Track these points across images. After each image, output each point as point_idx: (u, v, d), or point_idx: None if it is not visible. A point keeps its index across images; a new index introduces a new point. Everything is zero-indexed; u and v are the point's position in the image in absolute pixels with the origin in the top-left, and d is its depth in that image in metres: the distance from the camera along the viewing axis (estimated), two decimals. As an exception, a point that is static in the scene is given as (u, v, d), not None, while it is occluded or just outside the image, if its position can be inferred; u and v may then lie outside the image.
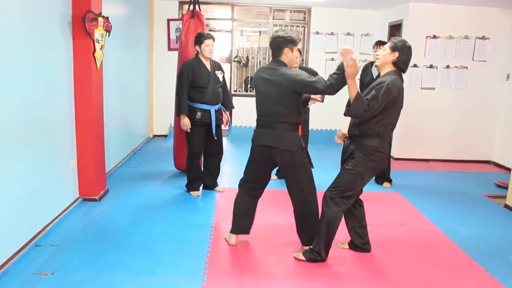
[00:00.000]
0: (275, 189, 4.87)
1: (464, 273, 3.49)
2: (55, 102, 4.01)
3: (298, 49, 5.55)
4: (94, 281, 3.09)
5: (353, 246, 3.80)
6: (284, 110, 3.42)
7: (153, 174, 5.84)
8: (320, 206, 3.52)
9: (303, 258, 3.53)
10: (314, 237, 3.55)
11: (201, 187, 5.12)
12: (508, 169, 6.60)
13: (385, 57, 3.36)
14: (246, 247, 3.77)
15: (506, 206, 5.10)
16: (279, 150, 3.46)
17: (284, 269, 3.44)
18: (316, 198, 3.57)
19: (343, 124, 3.68)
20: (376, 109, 3.22)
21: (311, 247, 3.55)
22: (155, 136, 8.35)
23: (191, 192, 5.03)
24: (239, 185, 3.83)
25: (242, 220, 3.80)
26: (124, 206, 4.63)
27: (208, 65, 4.79)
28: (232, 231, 3.82)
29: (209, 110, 4.78)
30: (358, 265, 3.54)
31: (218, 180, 5.29)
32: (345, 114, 3.36)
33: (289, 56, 3.45)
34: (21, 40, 3.36)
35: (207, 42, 4.71)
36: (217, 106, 4.85)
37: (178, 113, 4.81)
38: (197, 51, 4.81)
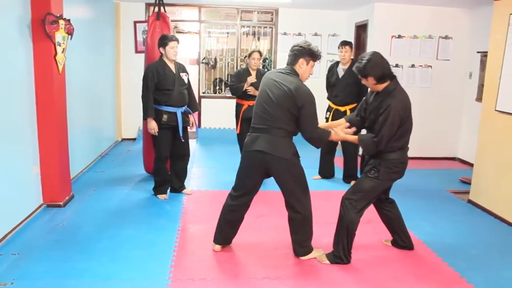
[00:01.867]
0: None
1: (428, 268, 3.55)
2: (15, 107, 3.93)
3: (259, 51, 5.59)
4: (58, 289, 3.03)
5: (396, 244, 3.90)
6: (284, 116, 3.31)
7: (121, 178, 5.76)
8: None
9: (327, 261, 3.56)
10: (307, 242, 3.61)
11: (168, 190, 5.08)
12: (473, 165, 6.73)
13: (367, 83, 3.42)
14: (212, 250, 3.73)
15: (470, 201, 5.22)
16: (274, 157, 3.34)
17: (250, 270, 3.44)
18: (310, 203, 3.56)
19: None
20: (389, 137, 3.29)
21: (333, 251, 3.58)
22: (123, 139, 8.25)
23: (158, 196, 4.97)
24: (229, 194, 3.66)
25: (227, 231, 3.71)
26: (90, 211, 4.56)
27: (172, 67, 4.76)
28: (216, 242, 3.73)
29: (175, 113, 4.74)
30: (323, 264, 3.56)
31: (186, 183, 5.26)
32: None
33: (303, 68, 3.37)
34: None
35: (172, 44, 4.67)
36: (183, 108, 4.82)
37: (144, 116, 4.75)
38: (161, 53, 4.75)
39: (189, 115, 4.95)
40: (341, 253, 3.53)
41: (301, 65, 3.37)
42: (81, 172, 5.77)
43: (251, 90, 5.49)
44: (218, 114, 8.23)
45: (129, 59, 7.98)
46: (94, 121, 6.49)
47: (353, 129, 3.62)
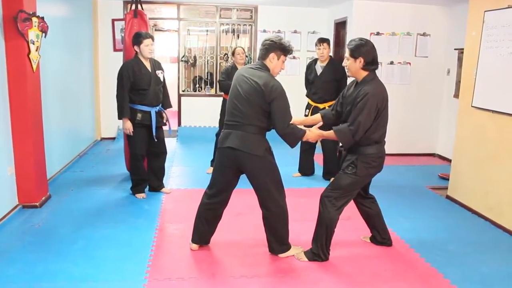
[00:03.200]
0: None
1: (405, 264, 3.57)
2: (-13, 107, 3.85)
3: (241, 48, 5.60)
4: (30, 291, 2.98)
5: (374, 240, 3.90)
6: (254, 112, 3.27)
7: (100, 178, 5.69)
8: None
9: (305, 259, 3.55)
10: (283, 240, 3.59)
11: (146, 189, 5.02)
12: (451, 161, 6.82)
13: (353, 67, 3.35)
14: (190, 250, 3.70)
15: (448, 197, 5.27)
16: (245, 153, 3.30)
17: (227, 269, 3.42)
18: (284, 200, 3.52)
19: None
20: (365, 125, 3.26)
21: (311, 248, 3.57)
22: (103, 138, 8.16)
23: (137, 195, 4.92)
24: (204, 193, 3.63)
25: (203, 230, 3.67)
26: (66, 211, 4.49)
27: (148, 65, 4.68)
28: (193, 241, 3.70)
29: (150, 112, 4.68)
30: (300, 261, 3.55)
31: (165, 182, 5.21)
32: (345, 147, 3.44)
33: (274, 62, 3.33)
34: None
35: (146, 42, 4.59)
36: (157, 107, 4.77)
37: (120, 116, 4.66)
38: (135, 51, 4.67)
39: (163, 113, 4.90)
40: (319, 250, 3.53)
41: (272, 60, 3.34)
42: (58, 172, 5.69)
43: None
44: (198, 112, 8.18)
45: (107, 58, 7.89)
46: (72, 121, 6.40)
47: (319, 124, 3.64)
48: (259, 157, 3.32)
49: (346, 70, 3.49)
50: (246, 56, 6.70)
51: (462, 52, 6.53)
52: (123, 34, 7.66)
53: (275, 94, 3.22)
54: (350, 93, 3.45)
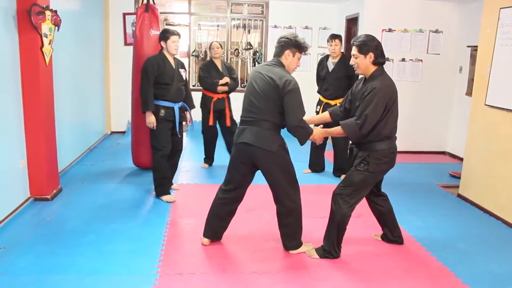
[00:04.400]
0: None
1: (416, 262, 3.55)
2: (0, 100, 3.86)
3: (219, 43, 5.72)
4: (41, 284, 2.99)
5: (385, 238, 3.89)
6: (269, 108, 3.28)
7: (110, 172, 5.71)
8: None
9: (317, 256, 3.55)
10: (296, 236, 3.59)
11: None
12: (462, 159, 6.75)
13: (364, 64, 3.33)
14: (201, 245, 3.71)
15: (459, 195, 5.23)
16: (259, 149, 3.31)
17: (238, 264, 3.42)
18: (299, 196, 3.52)
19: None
20: (373, 119, 3.24)
21: (323, 245, 3.56)
22: (112, 132, 8.18)
23: (163, 197, 4.70)
24: (219, 187, 3.65)
25: (216, 225, 3.68)
26: (77, 205, 4.51)
27: (172, 62, 4.65)
28: (204, 235, 3.71)
29: (173, 108, 4.66)
30: (312, 258, 3.54)
31: (175, 176, 5.20)
32: (353, 141, 3.45)
33: (289, 59, 3.35)
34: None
35: (173, 38, 4.56)
36: (180, 103, 4.74)
37: (144, 110, 4.56)
38: (161, 47, 4.64)
39: (186, 111, 4.86)
40: (331, 247, 3.52)
41: (287, 57, 3.35)
42: (69, 165, 5.71)
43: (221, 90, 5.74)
44: (208, 107, 8.15)
45: (118, 52, 7.90)
46: (82, 114, 6.42)
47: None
48: (273, 153, 3.31)
49: (354, 68, 3.44)
50: (253, 55, 6.76)
51: (475, 50, 6.49)
52: (134, 28, 7.70)
53: (289, 88, 3.22)
54: (359, 90, 3.43)
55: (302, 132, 3.32)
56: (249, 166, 3.46)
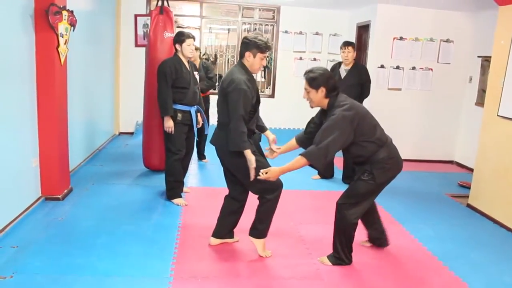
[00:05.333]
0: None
1: (429, 272, 3.55)
2: (16, 98, 3.88)
3: (196, 46, 5.60)
4: (56, 284, 2.99)
5: (371, 240, 3.88)
6: (224, 109, 3.38)
7: (119, 173, 5.71)
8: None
9: (329, 263, 3.54)
10: (262, 228, 3.55)
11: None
12: (470, 169, 6.76)
13: (317, 98, 3.31)
14: (214, 248, 3.72)
15: (469, 205, 5.22)
16: (220, 149, 3.47)
17: (252, 269, 3.41)
18: (272, 189, 3.42)
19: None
20: (334, 149, 3.17)
21: (333, 252, 3.55)
22: (121, 133, 8.19)
23: (175, 200, 4.69)
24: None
25: (221, 225, 3.74)
26: (88, 205, 4.51)
27: (187, 65, 4.66)
28: (212, 235, 3.76)
29: (189, 111, 4.65)
30: (324, 265, 3.54)
31: (185, 179, 5.19)
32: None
33: (250, 60, 3.38)
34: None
35: (188, 41, 4.55)
36: (196, 107, 4.74)
37: (163, 115, 4.53)
38: (176, 49, 4.63)
39: (199, 114, 4.85)
40: (341, 254, 3.52)
41: (248, 58, 3.39)
42: (79, 165, 5.72)
43: None
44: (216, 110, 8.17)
45: (128, 53, 7.92)
46: (92, 114, 6.43)
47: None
48: (231, 152, 3.35)
49: (309, 102, 3.40)
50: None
51: (486, 60, 6.51)
52: (145, 30, 7.73)
53: (232, 87, 3.28)
54: (322, 120, 3.41)
55: (233, 137, 3.27)
56: (223, 163, 3.59)
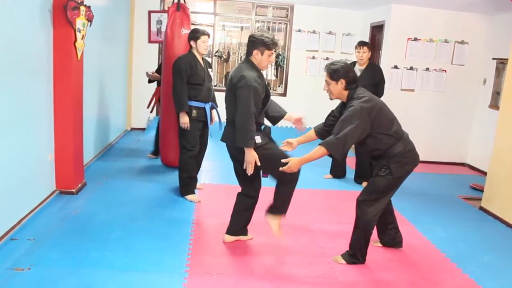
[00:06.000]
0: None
1: (443, 273, 3.54)
2: (33, 93, 3.90)
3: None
4: (73, 277, 3.01)
5: (386, 241, 3.88)
6: (232, 106, 3.41)
7: (132, 168, 5.75)
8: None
9: (343, 262, 3.55)
10: (279, 207, 3.57)
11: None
12: (482, 172, 6.74)
13: (336, 90, 3.38)
14: (228, 245, 3.73)
15: (481, 208, 5.20)
16: (231, 146, 3.50)
17: (266, 267, 3.42)
18: (284, 176, 3.41)
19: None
20: (352, 140, 3.22)
21: (348, 250, 3.57)
22: (133, 129, 8.23)
23: (188, 197, 4.70)
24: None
25: (234, 221, 3.76)
26: (102, 200, 4.54)
27: (201, 62, 4.68)
28: (227, 232, 3.78)
29: (204, 108, 4.68)
30: (339, 264, 3.54)
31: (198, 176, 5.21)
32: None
33: (258, 58, 3.41)
34: None
35: (203, 38, 4.58)
36: (210, 103, 4.75)
37: (179, 110, 4.55)
38: (191, 46, 4.65)
39: (212, 110, 4.87)
40: (357, 253, 3.53)
41: (256, 56, 3.41)
42: (91, 160, 5.75)
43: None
44: (229, 108, 8.19)
45: (141, 49, 7.95)
46: (105, 110, 6.46)
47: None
48: (237, 148, 3.41)
49: (328, 94, 3.47)
50: (275, 58, 6.78)
51: (502, 62, 6.48)
52: (158, 26, 7.76)
53: (241, 83, 3.31)
54: (341, 111, 3.48)
55: (242, 135, 3.31)
56: (234, 160, 3.62)
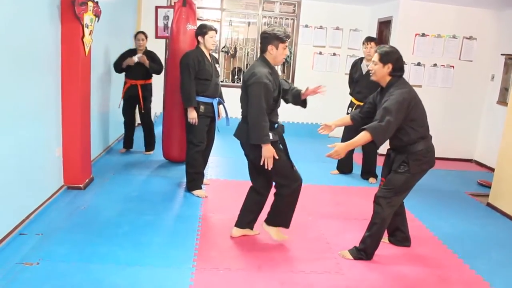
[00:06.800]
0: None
1: (450, 270, 3.53)
2: (41, 88, 3.92)
3: (144, 35, 5.79)
4: (82, 272, 3.03)
5: (394, 241, 3.87)
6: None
7: (139, 163, 5.77)
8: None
9: (350, 257, 3.57)
10: (279, 220, 3.64)
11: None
12: (490, 168, 6.71)
13: (380, 72, 3.41)
14: (235, 240, 3.74)
15: (489, 204, 5.18)
16: (244, 143, 3.52)
17: (273, 262, 3.43)
18: (291, 181, 3.50)
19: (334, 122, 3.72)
20: (394, 126, 3.26)
21: (357, 246, 3.58)
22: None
23: (195, 192, 4.71)
24: None
25: (243, 215, 3.78)
26: (109, 195, 4.56)
27: (209, 57, 4.69)
28: (235, 225, 3.80)
29: (211, 103, 4.68)
30: (346, 259, 3.55)
31: (204, 171, 5.22)
32: (378, 145, 3.35)
33: (273, 53, 3.42)
34: (7, 22, 3.25)
35: (211, 33, 4.59)
36: (217, 99, 4.76)
37: (187, 105, 4.55)
38: (198, 41, 4.65)
39: (220, 105, 4.87)
40: (369, 249, 3.55)
41: (271, 51, 3.42)
42: (99, 156, 5.78)
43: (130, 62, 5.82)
44: (236, 103, 8.13)
45: (148, 44, 7.84)
46: (112, 105, 6.47)
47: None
48: (254, 145, 3.41)
49: (370, 73, 3.51)
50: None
51: (510, 58, 6.44)
52: (165, 22, 7.76)
53: (251, 81, 3.34)
54: (380, 98, 3.50)
55: (255, 133, 3.33)
56: (248, 158, 3.64)
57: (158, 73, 6.04)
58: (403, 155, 3.44)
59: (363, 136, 3.29)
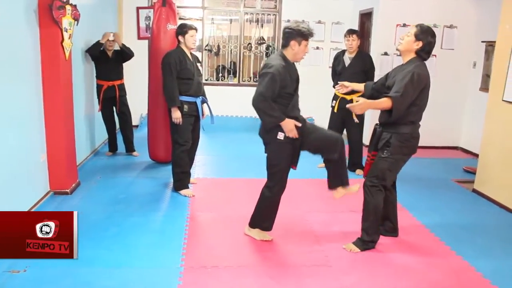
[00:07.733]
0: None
1: (437, 256, 3.58)
2: (22, 94, 3.90)
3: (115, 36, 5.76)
4: (70, 276, 3.03)
5: (382, 230, 3.86)
6: None
7: (126, 165, 5.76)
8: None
9: (357, 249, 3.59)
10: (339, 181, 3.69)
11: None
12: (475, 155, 6.77)
13: (408, 44, 3.42)
14: (223, 237, 3.76)
15: (474, 190, 5.24)
16: (262, 138, 3.55)
17: (261, 257, 3.45)
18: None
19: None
20: (408, 100, 3.31)
21: (360, 237, 3.62)
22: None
23: (182, 191, 4.70)
24: None
25: (254, 214, 3.74)
26: (96, 198, 4.55)
27: (190, 56, 4.69)
28: (249, 225, 3.78)
29: (195, 102, 4.68)
30: (335, 251, 3.58)
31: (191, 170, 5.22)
32: (393, 117, 3.37)
33: (295, 49, 3.38)
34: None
35: (191, 32, 4.59)
36: (201, 98, 4.76)
37: (170, 105, 4.54)
38: (179, 41, 4.65)
39: (203, 104, 4.87)
40: (372, 237, 3.61)
41: (293, 47, 3.39)
42: (86, 159, 5.76)
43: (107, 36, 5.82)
44: (220, 101, 8.16)
45: (131, 46, 7.79)
46: (97, 107, 6.43)
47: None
48: (269, 139, 3.48)
49: (399, 41, 3.51)
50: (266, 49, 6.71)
51: (490, 45, 6.49)
52: (147, 23, 7.72)
53: (263, 70, 3.38)
54: (397, 73, 3.50)
55: (261, 113, 3.38)
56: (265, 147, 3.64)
57: (130, 56, 6.13)
58: (388, 134, 3.48)
59: (385, 102, 3.34)
